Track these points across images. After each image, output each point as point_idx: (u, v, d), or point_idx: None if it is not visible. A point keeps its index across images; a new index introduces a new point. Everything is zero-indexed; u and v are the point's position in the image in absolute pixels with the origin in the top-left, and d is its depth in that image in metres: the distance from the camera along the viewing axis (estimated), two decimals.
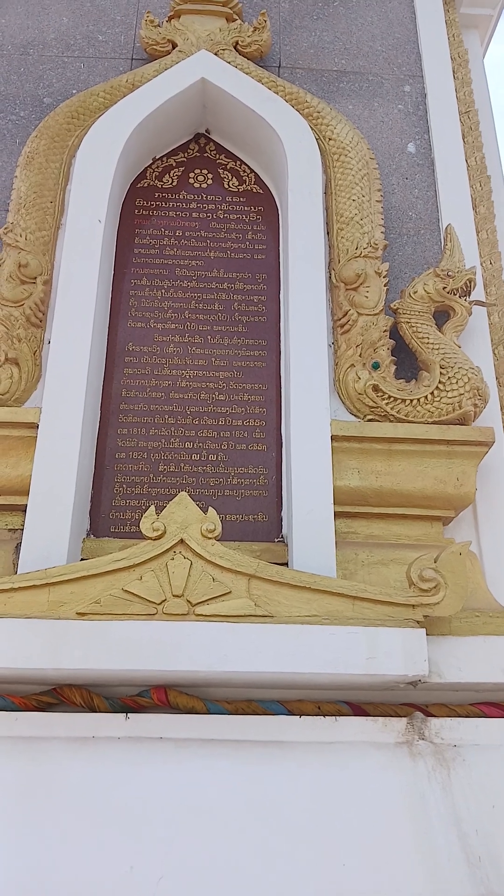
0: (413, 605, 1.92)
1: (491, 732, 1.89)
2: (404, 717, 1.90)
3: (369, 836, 1.73)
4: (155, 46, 3.02)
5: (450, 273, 2.54)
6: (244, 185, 2.93)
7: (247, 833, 1.72)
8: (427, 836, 1.74)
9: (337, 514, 2.23)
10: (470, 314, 2.55)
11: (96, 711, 1.88)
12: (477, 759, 1.84)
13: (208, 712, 1.89)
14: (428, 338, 2.47)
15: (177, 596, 1.89)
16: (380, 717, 1.89)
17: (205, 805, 1.74)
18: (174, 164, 2.95)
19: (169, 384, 2.56)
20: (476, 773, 1.82)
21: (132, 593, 1.89)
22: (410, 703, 1.96)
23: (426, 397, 2.38)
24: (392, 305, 2.55)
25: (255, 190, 2.92)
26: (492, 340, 2.67)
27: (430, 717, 1.91)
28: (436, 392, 2.38)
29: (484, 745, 1.87)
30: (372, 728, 1.87)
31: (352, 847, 1.71)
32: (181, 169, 2.94)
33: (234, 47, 3.01)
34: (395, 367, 2.46)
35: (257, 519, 2.39)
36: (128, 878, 1.65)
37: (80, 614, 1.86)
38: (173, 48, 3.01)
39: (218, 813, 1.74)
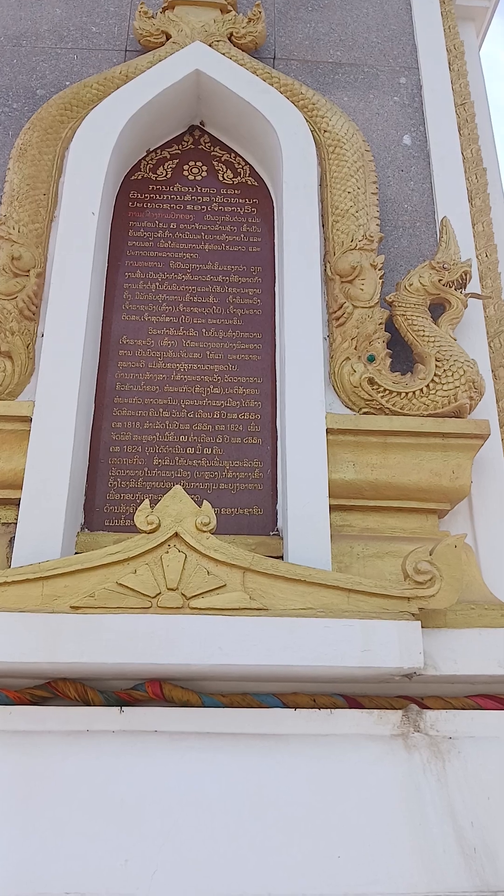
0: (408, 598, 1.91)
1: (486, 724, 1.89)
2: (399, 709, 1.90)
3: (365, 828, 1.73)
4: (149, 38, 3.00)
5: (445, 265, 2.54)
6: (239, 178, 2.91)
7: (242, 826, 1.71)
8: (422, 827, 1.74)
9: (332, 508, 2.23)
10: (466, 307, 2.54)
11: (91, 705, 1.88)
12: (472, 751, 1.85)
13: (203, 705, 1.89)
14: (423, 330, 2.47)
15: (171, 589, 1.88)
16: (375, 710, 1.89)
17: (199, 798, 1.74)
18: (168, 157, 2.93)
19: (163, 377, 2.55)
20: (471, 764, 1.83)
21: (127, 587, 1.88)
22: (406, 696, 1.96)
23: (422, 390, 2.37)
24: (387, 298, 2.54)
25: (249, 182, 2.91)
26: (487, 333, 2.67)
27: (425, 710, 1.91)
28: (431, 385, 2.38)
29: (479, 738, 1.87)
30: (367, 720, 1.87)
31: (347, 839, 1.71)
32: (175, 161, 2.92)
33: (229, 39, 3.00)
34: (390, 359, 2.45)
35: (252, 512, 2.38)
36: (122, 872, 1.65)
37: (75, 608, 1.85)
38: (167, 39, 2.99)
39: (213, 806, 1.73)
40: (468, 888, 1.68)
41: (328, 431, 2.30)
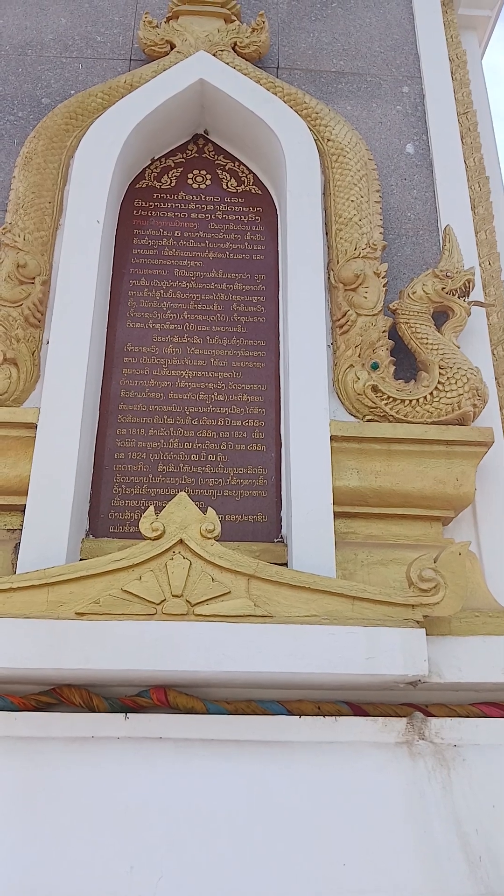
0: (413, 605, 1.92)
1: (491, 732, 1.89)
2: (404, 717, 1.90)
3: (369, 835, 1.73)
4: (153, 47, 3.02)
5: (448, 274, 2.55)
6: (243, 186, 2.93)
7: (246, 832, 1.71)
8: (427, 835, 1.74)
9: (336, 515, 2.23)
10: (469, 315, 2.55)
11: (95, 711, 1.88)
12: (477, 758, 1.85)
13: (208, 712, 1.89)
14: (427, 338, 2.47)
15: (176, 596, 1.89)
16: (380, 717, 1.89)
17: (204, 805, 1.74)
18: (173, 165, 2.95)
19: (168, 384, 2.56)
20: (476, 772, 1.82)
21: (131, 593, 1.89)
22: (410, 703, 1.96)
23: (425, 398, 2.38)
24: (391, 306, 2.55)
25: (253, 191, 2.92)
26: (491, 341, 2.67)
27: (429, 717, 1.91)
28: (435, 392, 2.39)
29: (484, 745, 1.87)
30: (372, 728, 1.87)
31: (352, 847, 1.71)
32: (180, 170, 2.94)
33: (233, 48, 3.02)
34: (394, 367, 2.46)
35: (256, 519, 2.39)
36: (127, 879, 1.65)
37: (80, 614, 1.85)
38: (171, 49, 3.01)
39: (217, 813, 1.73)
40: None
41: (332, 439, 2.30)
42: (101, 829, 1.70)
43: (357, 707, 1.93)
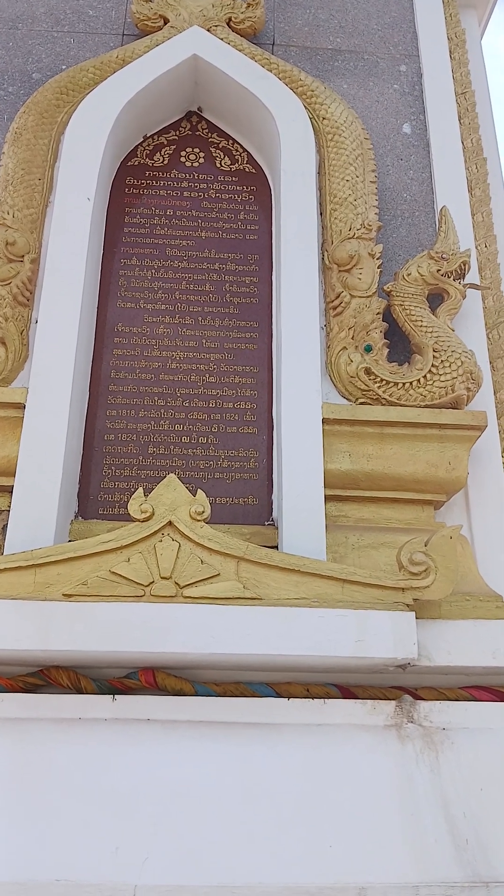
0: (403, 589, 1.91)
1: (480, 716, 1.89)
2: (393, 700, 1.90)
3: (357, 818, 1.73)
4: (146, 22, 2.96)
5: (444, 255, 2.52)
6: (236, 165, 2.88)
7: (233, 814, 1.71)
8: (415, 818, 1.74)
9: (327, 498, 2.22)
10: (464, 297, 2.52)
11: (83, 693, 1.87)
12: (465, 742, 1.84)
13: (196, 694, 1.88)
14: (421, 321, 2.45)
15: (165, 578, 1.87)
16: (368, 700, 1.89)
17: (191, 786, 1.74)
18: (165, 143, 2.90)
19: (159, 365, 2.53)
20: (464, 756, 1.82)
21: (120, 575, 1.87)
22: (399, 687, 1.96)
23: (419, 381, 2.36)
24: (385, 288, 2.52)
25: (247, 169, 2.88)
26: (486, 324, 2.65)
27: (419, 701, 1.90)
28: (429, 375, 2.36)
29: (472, 729, 1.87)
30: (360, 711, 1.86)
31: (339, 829, 1.71)
32: (172, 147, 2.89)
33: (227, 24, 2.96)
34: (387, 350, 2.44)
35: (247, 502, 2.37)
36: (113, 859, 1.65)
37: (67, 595, 1.84)
38: (165, 24, 2.95)
39: (204, 794, 1.73)
40: (459, 879, 1.68)
41: (324, 421, 2.28)
42: (88, 810, 1.70)
43: (346, 690, 1.93)
